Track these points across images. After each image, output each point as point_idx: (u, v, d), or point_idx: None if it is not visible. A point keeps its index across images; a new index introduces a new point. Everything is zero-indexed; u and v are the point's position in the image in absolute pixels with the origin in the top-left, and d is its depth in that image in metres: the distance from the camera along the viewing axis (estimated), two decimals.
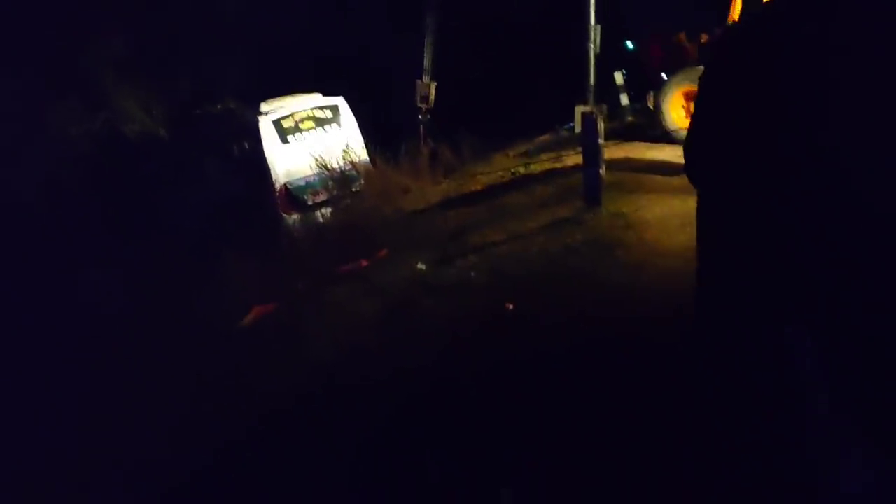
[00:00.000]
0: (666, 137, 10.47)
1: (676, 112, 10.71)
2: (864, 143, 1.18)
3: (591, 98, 11.50)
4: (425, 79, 13.44)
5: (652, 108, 11.14)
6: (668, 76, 10.83)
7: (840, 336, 1.16)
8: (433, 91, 13.43)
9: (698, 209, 1.48)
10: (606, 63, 12.19)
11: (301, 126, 10.79)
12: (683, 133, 9.16)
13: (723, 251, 1.36)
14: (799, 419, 1.18)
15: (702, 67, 9.97)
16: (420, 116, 13.47)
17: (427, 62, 13.38)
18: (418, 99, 13.42)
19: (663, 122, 10.74)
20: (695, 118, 1.63)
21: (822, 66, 1.21)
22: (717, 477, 1.40)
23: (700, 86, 1.63)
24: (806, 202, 1.21)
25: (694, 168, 1.55)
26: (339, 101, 11.27)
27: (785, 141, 1.25)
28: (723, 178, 1.42)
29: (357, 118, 11.33)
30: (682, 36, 11.11)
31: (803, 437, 1.19)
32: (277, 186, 10.27)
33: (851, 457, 1.15)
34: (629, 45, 13.32)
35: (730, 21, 10.06)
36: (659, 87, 10.92)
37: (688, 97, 10.62)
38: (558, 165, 10.47)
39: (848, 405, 1.17)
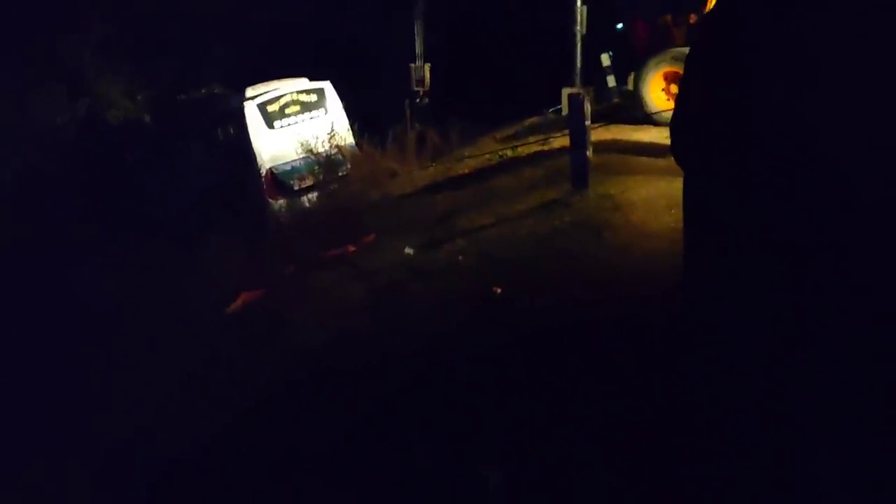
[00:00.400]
0: (647, 119, 10.48)
1: (656, 94, 10.71)
2: (846, 124, 1.17)
3: (577, 80, 11.48)
4: (418, 62, 13.38)
5: (632, 89, 11.14)
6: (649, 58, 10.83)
7: (829, 320, 1.15)
8: (428, 73, 13.39)
9: (685, 191, 1.47)
10: (594, 44, 12.15)
11: (287, 111, 10.70)
12: (663, 115, 9.21)
13: (709, 234, 1.35)
14: (785, 408, 1.18)
15: (682, 49, 9.98)
16: (417, 100, 13.43)
17: (419, 46, 13.33)
18: (414, 83, 13.38)
19: (643, 104, 10.75)
20: (680, 99, 1.61)
21: (801, 48, 1.20)
22: (704, 460, 1.40)
23: (685, 67, 1.61)
24: (790, 185, 1.21)
25: (680, 149, 1.54)
26: (326, 86, 11.18)
27: (765, 122, 1.24)
28: (708, 159, 1.41)
29: (343, 102, 11.26)
30: (668, 17, 11.06)
31: (788, 426, 1.19)
32: (263, 172, 10.20)
33: (830, 452, 1.15)
34: (619, 26, 13.28)
35: (708, 6, 10.08)
36: (639, 69, 10.93)
37: (667, 79, 10.63)
38: (546, 148, 10.44)
39: (835, 398, 1.17)
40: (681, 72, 8.12)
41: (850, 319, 1.13)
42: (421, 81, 13.38)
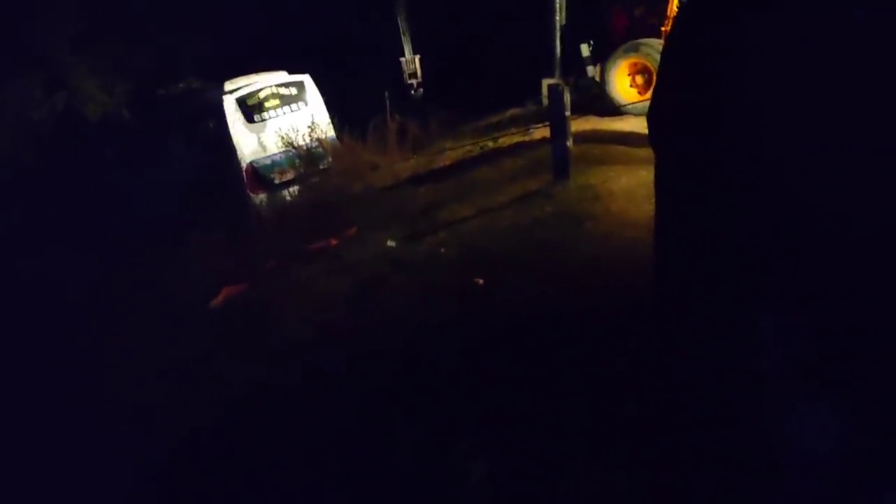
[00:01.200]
0: (616, 111, 10.58)
1: (622, 85, 10.81)
2: (807, 127, 1.20)
3: (557, 71, 11.49)
4: (408, 56, 13.40)
5: (598, 80, 11.24)
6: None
7: (795, 302, 1.18)
8: (419, 64, 13.43)
9: (656, 177, 1.49)
10: (575, 34, 12.15)
11: (266, 104, 10.64)
12: (630, 106, 9.25)
13: (680, 222, 1.38)
14: (755, 383, 1.21)
15: (644, 40, 10.00)
16: (412, 92, 13.46)
17: (405, 38, 13.34)
18: (407, 76, 13.42)
19: (610, 95, 10.84)
20: (657, 89, 1.64)
21: (768, 44, 1.22)
22: (685, 445, 1.42)
23: (661, 58, 1.64)
24: (754, 177, 1.23)
25: (656, 136, 1.56)
26: (305, 79, 11.13)
27: (730, 116, 1.27)
28: (682, 148, 1.43)
29: (323, 95, 11.21)
30: (642, 8, 11.13)
31: (759, 400, 1.22)
32: (244, 165, 10.14)
33: (804, 415, 1.18)
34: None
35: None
36: (604, 61, 11.04)
37: (633, 70, 10.73)
38: (527, 139, 10.47)
39: (805, 367, 1.20)
40: (646, 63, 8.21)
41: (816, 301, 1.17)
42: (414, 74, 13.44)
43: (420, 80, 13.47)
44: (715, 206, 1.26)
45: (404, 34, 13.32)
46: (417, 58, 13.45)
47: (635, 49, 10.69)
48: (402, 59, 13.44)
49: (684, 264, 1.32)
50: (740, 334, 1.21)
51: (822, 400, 1.21)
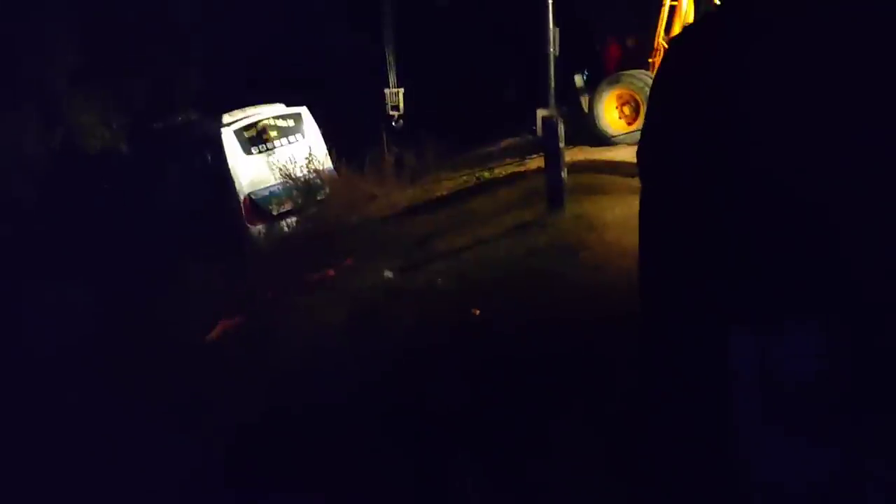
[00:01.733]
0: (604, 141, 10.71)
1: (611, 116, 10.93)
2: (800, 148, 1.23)
3: (551, 101, 11.63)
4: (392, 87, 13.56)
5: (587, 111, 11.37)
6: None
7: (775, 327, 1.21)
8: (401, 97, 13.56)
9: (641, 205, 1.51)
10: (568, 63, 12.31)
11: (264, 136, 10.76)
12: (619, 137, 9.39)
13: (665, 247, 1.41)
14: (727, 412, 1.24)
15: (631, 72, 10.15)
16: (393, 124, 13.59)
17: (391, 71, 13.50)
18: (389, 107, 13.56)
19: (599, 127, 10.96)
20: (647, 120, 1.67)
21: (755, 76, 1.26)
22: (662, 469, 1.44)
23: (651, 89, 1.68)
24: (741, 201, 1.26)
25: (644, 167, 1.58)
26: (302, 111, 11.26)
27: (722, 142, 1.30)
28: (669, 176, 1.46)
29: (320, 127, 11.33)
30: (634, 39, 11.31)
31: (730, 430, 1.25)
32: (242, 197, 10.23)
33: (774, 449, 1.21)
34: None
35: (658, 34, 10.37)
36: (592, 92, 11.19)
37: (620, 101, 10.86)
38: (522, 169, 10.58)
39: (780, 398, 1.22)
40: (632, 93, 8.31)
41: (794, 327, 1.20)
42: (396, 107, 13.58)
43: (401, 112, 13.61)
44: (701, 218, 1.29)
45: (390, 66, 13.49)
46: (401, 91, 13.60)
47: (619, 80, 10.87)
48: (386, 91, 13.61)
49: (665, 281, 1.36)
50: (711, 352, 1.23)
51: (802, 435, 1.21)
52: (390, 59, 13.50)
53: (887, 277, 1.16)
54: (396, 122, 13.56)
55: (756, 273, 1.25)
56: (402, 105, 13.57)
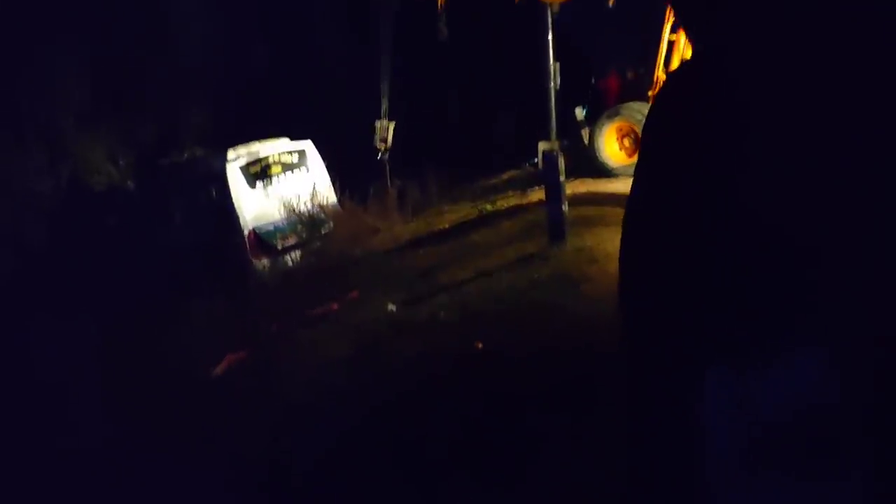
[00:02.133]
0: (605, 173, 10.80)
1: (611, 148, 11.04)
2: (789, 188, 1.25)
3: (552, 135, 11.76)
4: (384, 120, 13.62)
5: (587, 143, 11.49)
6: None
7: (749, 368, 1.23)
8: (391, 131, 13.60)
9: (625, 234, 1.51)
10: (569, 96, 12.46)
11: (269, 171, 10.89)
12: (620, 169, 9.48)
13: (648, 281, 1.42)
14: (699, 452, 1.26)
15: (631, 104, 10.22)
16: (378, 157, 13.60)
17: (384, 104, 13.57)
18: (377, 140, 13.58)
19: (600, 159, 11.07)
20: (638, 166, 1.68)
21: (741, 122, 1.28)
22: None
23: (643, 129, 1.72)
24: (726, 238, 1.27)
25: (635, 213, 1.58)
26: (307, 145, 11.40)
27: (718, 178, 1.30)
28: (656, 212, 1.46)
29: (324, 160, 11.46)
30: (634, 73, 11.48)
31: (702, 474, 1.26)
32: (246, 232, 10.33)
33: (748, 488, 1.23)
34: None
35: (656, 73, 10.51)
36: (592, 125, 11.31)
37: (620, 133, 10.98)
38: (524, 201, 10.67)
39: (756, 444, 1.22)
40: (631, 126, 8.38)
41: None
42: (384, 140, 13.58)
43: (389, 145, 13.61)
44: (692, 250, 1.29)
45: (384, 97, 13.57)
46: (392, 124, 13.63)
47: (619, 113, 11.01)
48: (377, 123, 13.63)
49: (644, 314, 1.36)
50: (684, 391, 1.22)
51: (781, 472, 1.19)
52: (385, 90, 13.58)
53: (886, 307, 1.17)
54: (382, 154, 13.55)
55: (744, 304, 1.26)
56: (390, 138, 13.56)
